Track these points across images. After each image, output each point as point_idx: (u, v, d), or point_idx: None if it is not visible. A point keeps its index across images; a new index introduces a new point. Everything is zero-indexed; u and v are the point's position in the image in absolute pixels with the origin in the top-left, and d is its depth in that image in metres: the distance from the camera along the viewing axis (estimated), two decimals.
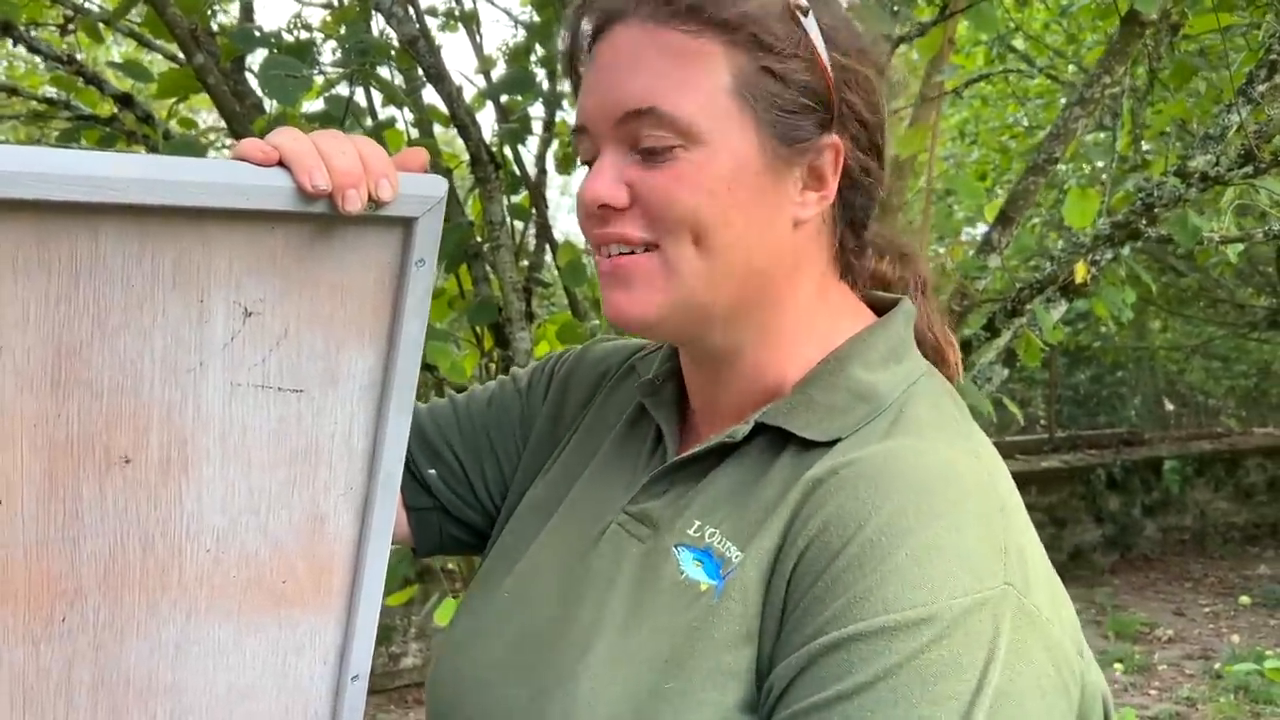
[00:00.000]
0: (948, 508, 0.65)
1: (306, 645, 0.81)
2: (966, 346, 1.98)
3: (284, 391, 0.72)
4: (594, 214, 0.73)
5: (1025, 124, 5.40)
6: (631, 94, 0.70)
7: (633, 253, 0.72)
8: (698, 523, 0.73)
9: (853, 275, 0.81)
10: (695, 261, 0.71)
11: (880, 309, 0.81)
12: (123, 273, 0.64)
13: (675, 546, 0.73)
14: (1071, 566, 7.01)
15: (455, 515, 0.94)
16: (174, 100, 1.99)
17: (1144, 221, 1.67)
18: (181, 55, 2.61)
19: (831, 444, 0.71)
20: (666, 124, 0.69)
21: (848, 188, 0.76)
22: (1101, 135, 2.15)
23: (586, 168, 0.75)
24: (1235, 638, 5.43)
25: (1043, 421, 9.03)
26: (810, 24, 0.72)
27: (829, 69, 0.72)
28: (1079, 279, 2.09)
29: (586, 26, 0.76)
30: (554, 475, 0.89)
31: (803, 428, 0.72)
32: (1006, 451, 7.15)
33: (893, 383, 0.75)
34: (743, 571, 0.68)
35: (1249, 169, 1.52)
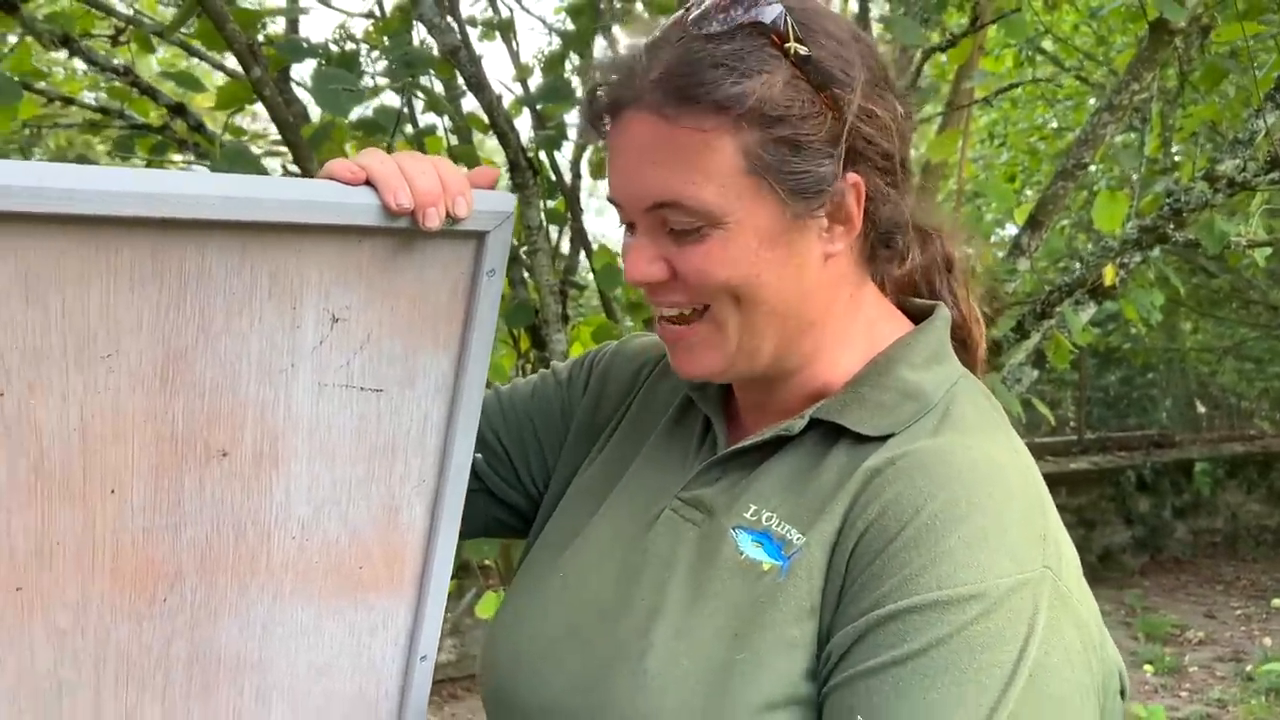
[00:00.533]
0: (995, 499, 0.71)
1: (380, 627, 0.87)
2: (996, 348, 2.02)
3: (366, 391, 0.78)
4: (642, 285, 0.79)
5: (1054, 125, 5.40)
6: (653, 189, 0.75)
7: (685, 314, 0.79)
8: (754, 507, 0.79)
9: (882, 277, 0.86)
10: (740, 318, 0.78)
11: (911, 311, 0.86)
12: (225, 283, 0.70)
13: (733, 529, 0.79)
14: (1101, 568, 7.00)
15: (500, 498, 0.99)
16: (229, 112, 2.06)
17: (1171, 226, 1.71)
18: (227, 63, 2.70)
19: (884, 439, 0.77)
20: (690, 212, 0.75)
21: (874, 208, 0.80)
22: (1131, 136, 2.18)
23: (626, 228, 0.81)
24: (1267, 640, 5.41)
25: (1073, 423, 9.00)
26: (814, 71, 0.75)
27: (842, 110, 0.75)
28: (1108, 282, 2.13)
29: (597, 107, 0.80)
30: (601, 463, 0.94)
31: (857, 423, 0.78)
32: (1036, 453, 7.10)
33: (936, 383, 0.80)
34: (808, 552, 0.74)
35: (1276, 174, 1.55)
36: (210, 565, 0.78)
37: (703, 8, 0.76)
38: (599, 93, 0.79)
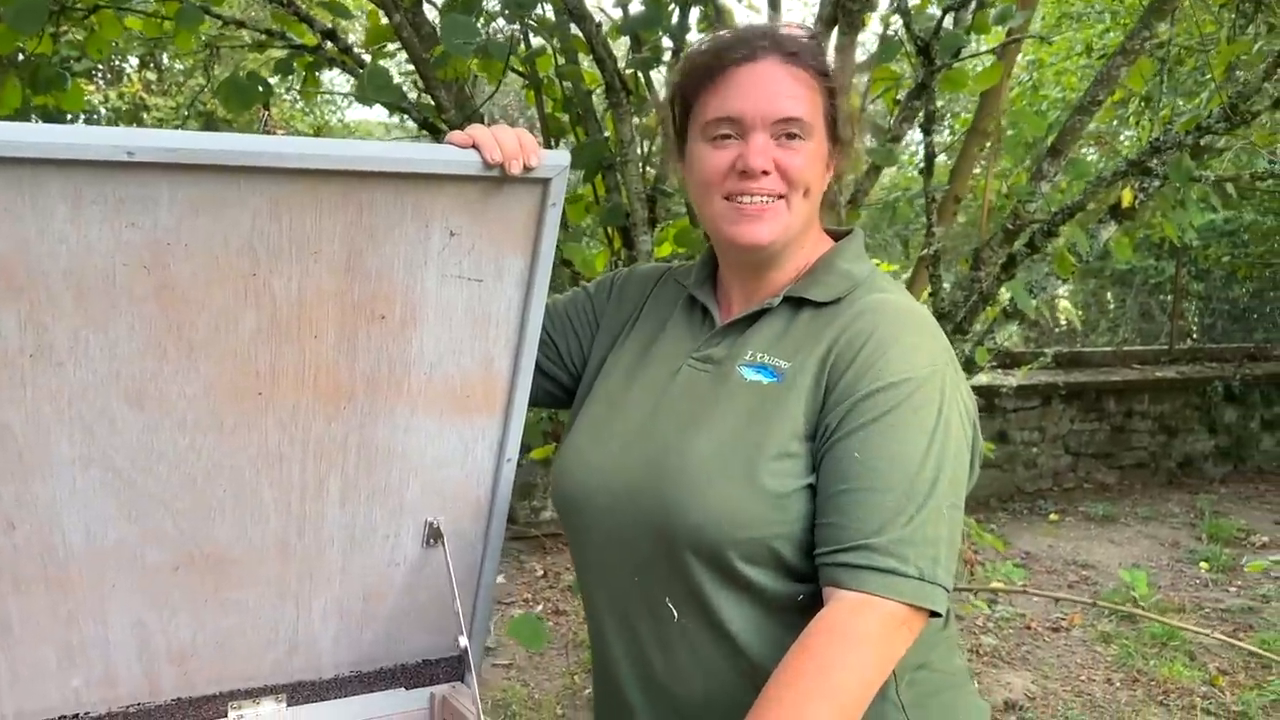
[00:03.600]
0: (912, 326, 1.17)
1: (480, 436, 1.31)
2: (1012, 261, 2.34)
3: (471, 281, 1.21)
4: (745, 174, 1.19)
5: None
6: (785, 107, 1.17)
7: (767, 201, 1.20)
8: (750, 352, 1.22)
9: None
10: (802, 205, 1.21)
11: (830, 232, 1.31)
12: (385, 210, 1.12)
13: (737, 366, 1.22)
14: (1180, 474, 7.18)
15: (546, 373, 1.40)
16: (379, 48, 2.49)
17: (1154, 160, 1.99)
18: None
19: (834, 303, 1.21)
20: (801, 126, 1.18)
21: (837, 165, 1.26)
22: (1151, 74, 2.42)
23: (711, 143, 1.20)
24: None
25: (1193, 335, 9.01)
26: (831, 77, 1.22)
27: (843, 106, 1.23)
28: (1125, 203, 2.41)
29: (733, 55, 1.19)
30: (629, 346, 1.35)
31: (816, 295, 1.23)
32: (1122, 361, 7.28)
33: (862, 270, 1.26)
34: (796, 368, 1.17)
35: (1226, 124, 1.82)
36: (373, 387, 1.22)
37: (791, 25, 1.26)
38: (734, 48, 1.20)
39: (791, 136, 1.17)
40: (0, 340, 1.01)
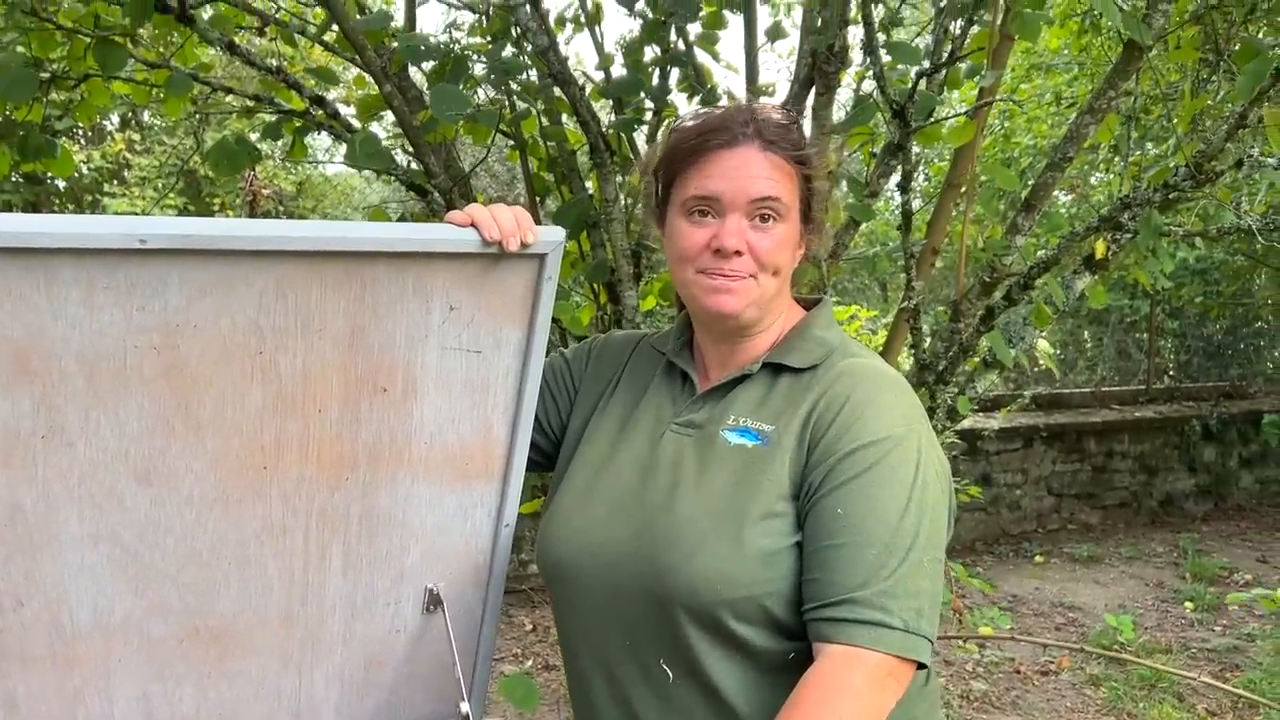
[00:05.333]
0: (886, 389, 1.23)
1: (479, 502, 1.34)
2: (990, 313, 2.40)
3: (470, 352, 1.24)
4: (718, 253, 1.23)
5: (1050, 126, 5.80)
6: (762, 189, 1.23)
7: (739, 276, 1.25)
8: (733, 417, 1.26)
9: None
10: (771, 282, 1.26)
11: (800, 300, 1.37)
12: (387, 286, 1.16)
13: (720, 431, 1.26)
14: (1161, 513, 7.24)
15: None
16: (370, 116, 2.54)
17: (1126, 216, 2.06)
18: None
19: (811, 369, 1.26)
20: (776, 208, 1.23)
21: (809, 244, 1.32)
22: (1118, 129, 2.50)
23: (689, 219, 1.26)
24: None
25: (1170, 372, 9.12)
26: (816, 163, 1.29)
27: (819, 187, 1.29)
28: (1099, 254, 2.48)
29: (716, 140, 1.25)
30: (609, 411, 1.39)
31: (794, 361, 1.28)
32: (1102, 401, 7.36)
33: (834, 336, 1.31)
34: (779, 431, 1.22)
35: (1192, 182, 1.89)
36: (375, 458, 1.25)
37: (770, 109, 1.29)
38: (718, 131, 1.26)
39: (766, 219, 1.23)
40: (15, 423, 1.04)
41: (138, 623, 1.21)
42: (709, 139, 1.25)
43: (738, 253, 1.23)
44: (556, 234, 1.21)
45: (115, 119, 8.50)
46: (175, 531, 1.18)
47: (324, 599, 1.30)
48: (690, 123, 1.30)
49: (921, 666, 1.12)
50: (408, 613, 1.37)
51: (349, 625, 1.33)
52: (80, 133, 8.18)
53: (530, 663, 4.62)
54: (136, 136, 8.60)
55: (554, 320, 2.83)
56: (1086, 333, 10.22)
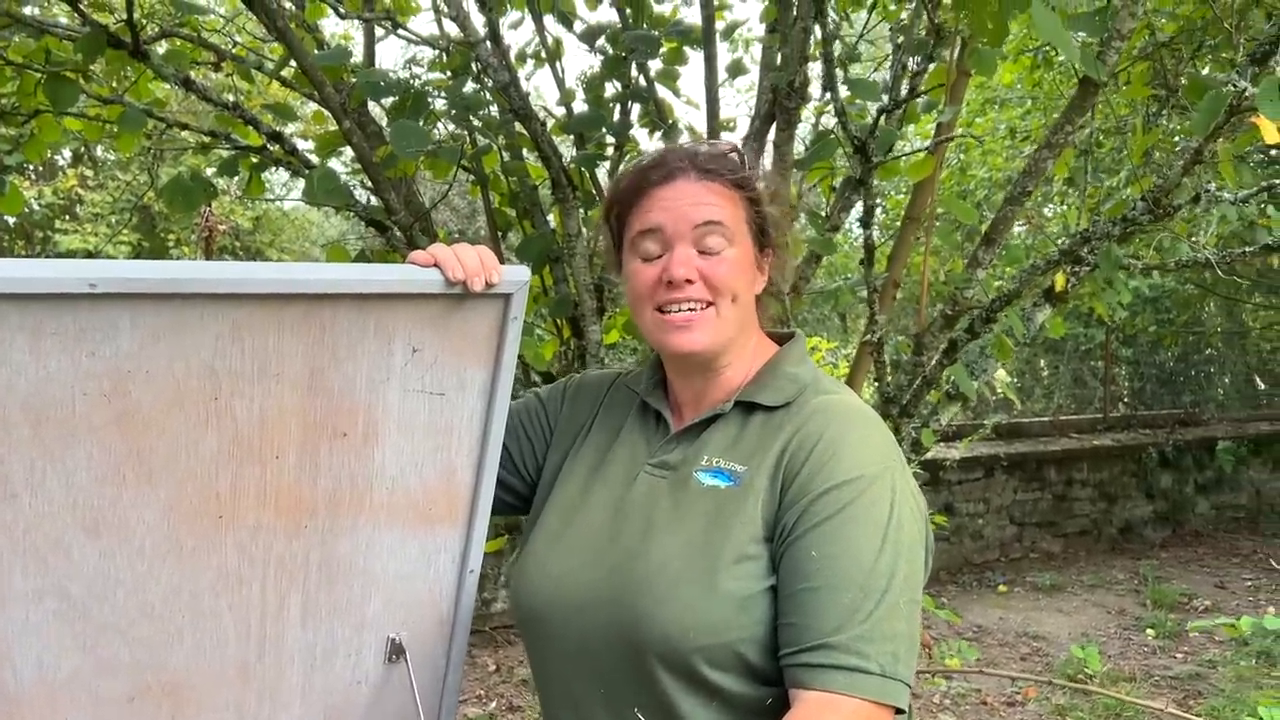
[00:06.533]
0: (860, 426, 1.21)
1: (443, 548, 1.31)
2: (954, 346, 2.40)
3: (433, 395, 1.21)
4: (671, 284, 1.22)
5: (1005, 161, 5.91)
6: (703, 214, 1.22)
7: (695, 309, 1.23)
8: (706, 457, 1.24)
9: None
10: (731, 310, 1.24)
11: (771, 335, 1.35)
12: (348, 328, 1.13)
13: (694, 472, 1.23)
14: (1121, 540, 7.30)
15: (501, 480, 1.39)
16: (329, 152, 2.51)
17: (1085, 249, 2.08)
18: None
19: (784, 406, 1.24)
20: (722, 232, 1.22)
21: (770, 270, 1.31)
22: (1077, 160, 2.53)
23: (641, 259, 1.24)
24: (1271, 609, 5.69)
25: (1125, 399, 9.24)
26: (763, 188, 1.28)
27: (770, 212, 1.27)
28: (1058, 288, 2.49)
29: (654, 176, 1.25)
30: (584, 453, 1.36)
31: (766, 399, 1.26)
32: (1060, 430, 7.44)
33: (806, 372, 1.29)
34: (751, 472, 1.19)
35: (1151, 215, 1.92)
36: (335, 504, 1.22)
37: (707, 143, 1.30)
38: (655, 169, 1.27)
39: (714, 245, 1.22)
40: None
41: (86, 680, 1.16)
42: (648, 175, 1.26)
43: (689, 280, 1.21)
44: (522, 273, 1.19)
45: (68, 154, 8.38)
46: (126, 584, 1.13)
47: (282, 650, 1.26)
48: (631, 167, 1.32)
49: (900, 712, 1.10)
50: (369, 663, 1.32)
51: (308, 677, 1.29)
52: (31, 168, 8.05)
53: (494, 704, 4.54)
54: (89, 172, 8.48)
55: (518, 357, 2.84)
56: (1043, 361, 10.35)
